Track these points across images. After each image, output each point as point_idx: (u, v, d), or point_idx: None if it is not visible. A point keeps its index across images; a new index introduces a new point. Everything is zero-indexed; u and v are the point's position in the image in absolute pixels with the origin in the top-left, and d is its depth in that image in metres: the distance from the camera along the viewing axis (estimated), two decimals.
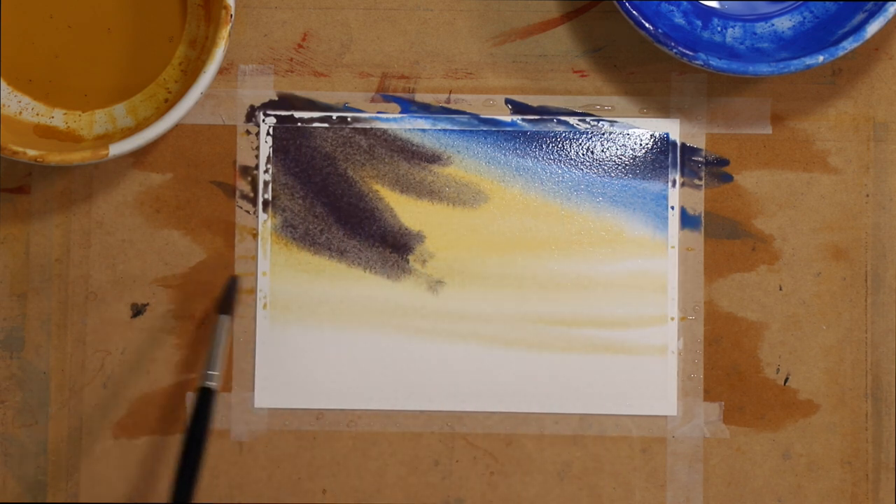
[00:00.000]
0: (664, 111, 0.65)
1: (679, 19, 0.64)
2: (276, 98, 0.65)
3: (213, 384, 0.59)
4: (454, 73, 0.65)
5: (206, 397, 0.59)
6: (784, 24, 0.64)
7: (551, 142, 0.65)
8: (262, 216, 0.65)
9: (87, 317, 0.65)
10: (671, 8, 0.64)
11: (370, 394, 0.64)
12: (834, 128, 0.65)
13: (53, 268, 0.65)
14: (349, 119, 0.65)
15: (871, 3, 0.61)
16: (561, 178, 0.65)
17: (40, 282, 0.64)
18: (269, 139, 0.65)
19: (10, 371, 0.64)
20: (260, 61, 0.65)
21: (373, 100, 0.65)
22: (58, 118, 0.64)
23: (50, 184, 0.65)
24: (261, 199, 0.65)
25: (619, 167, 0.65)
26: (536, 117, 0.65)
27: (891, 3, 0.60)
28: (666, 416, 0.64)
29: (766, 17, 0.64)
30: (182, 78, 0.63)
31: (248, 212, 0.65)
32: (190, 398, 0.64)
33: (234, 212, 0.65)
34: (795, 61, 0.60)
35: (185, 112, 0.59)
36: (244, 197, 0.65)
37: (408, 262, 0.65)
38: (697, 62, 0.60)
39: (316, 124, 0.65)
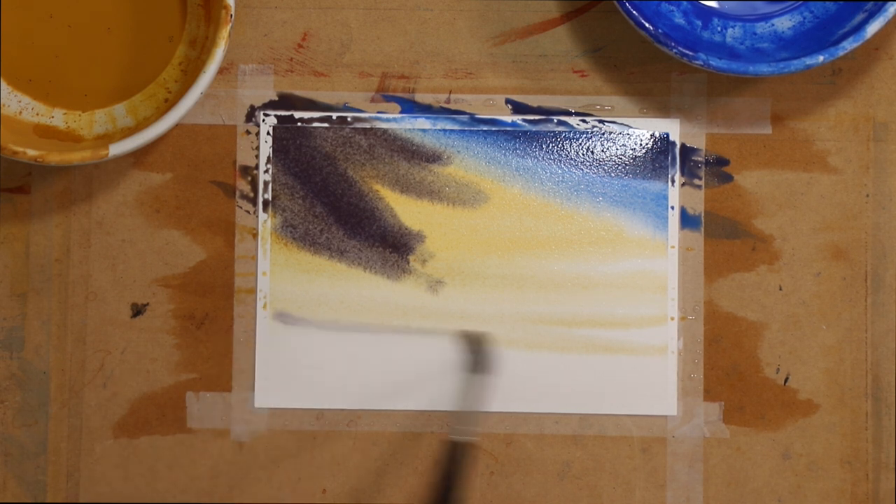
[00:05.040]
0: (664, 111, 0.65)
1: (679, 19, 0.64)
2: (276, 98, 0.65)
3: (464, 438, 0.55)
4: (454, 73, 0.65)
5: (456, 451, 0.55)
6: (784, 24, 0.64)
7: (551, 142, 0.65)
8: (262, 216, 0.65)
9: (87, 317, 0.65)
10: (671, 8, 0.64)
11: (370, 394, 0.64)
12: (834, 128, 0.65)
13: (53, 268, 0.65)
14: (349, 119, 0.65)
15: (871, 3, 0.61)
16: (561, 178, 0.65)
17: (40, 282, 0.64)
18: (269, 139, 0.65)
19: (10, 371, 0.64)
20: (260, 61, 0.65)
21: (373, 100, 0.65)
22: (58, 118, 0.64)
23: (50, 184, 0.65)
24: (261, 199, 0.65)
25: (619, 167, 0.65)
26: (536, 117, 0.65)
27: (891, 3, 0.60)
28: (666, 416, 0.64)
29: (766, 17, 0.64)
30: (182, 78, 0.63)
31: (248, 212, 0.65)
32: (191, 398, 0.64)
33: (234, 212, 0.65)
34: (795, 61, 0.60)
35: (185, 112, 0.59)
36: (244, 197, 0.65)
37: (408, 262, 0.65)
38: (697, 62, 0.60)
39: (316, 124, 0.65)
